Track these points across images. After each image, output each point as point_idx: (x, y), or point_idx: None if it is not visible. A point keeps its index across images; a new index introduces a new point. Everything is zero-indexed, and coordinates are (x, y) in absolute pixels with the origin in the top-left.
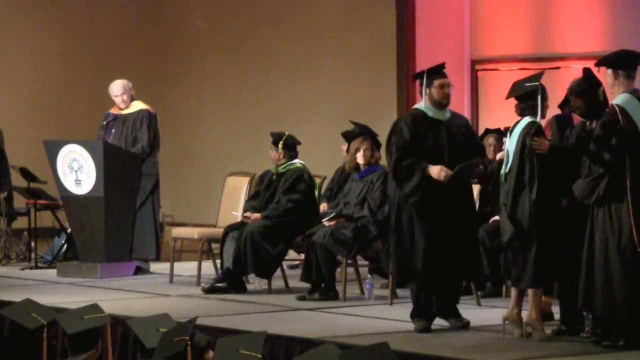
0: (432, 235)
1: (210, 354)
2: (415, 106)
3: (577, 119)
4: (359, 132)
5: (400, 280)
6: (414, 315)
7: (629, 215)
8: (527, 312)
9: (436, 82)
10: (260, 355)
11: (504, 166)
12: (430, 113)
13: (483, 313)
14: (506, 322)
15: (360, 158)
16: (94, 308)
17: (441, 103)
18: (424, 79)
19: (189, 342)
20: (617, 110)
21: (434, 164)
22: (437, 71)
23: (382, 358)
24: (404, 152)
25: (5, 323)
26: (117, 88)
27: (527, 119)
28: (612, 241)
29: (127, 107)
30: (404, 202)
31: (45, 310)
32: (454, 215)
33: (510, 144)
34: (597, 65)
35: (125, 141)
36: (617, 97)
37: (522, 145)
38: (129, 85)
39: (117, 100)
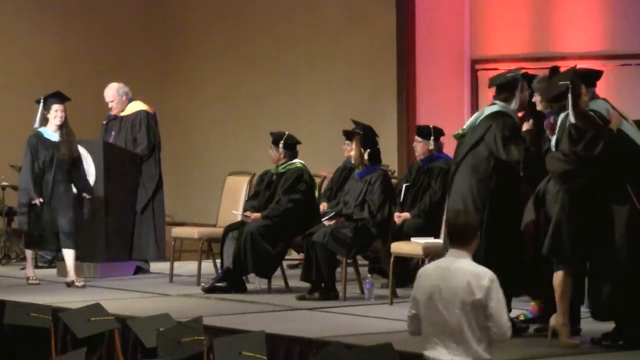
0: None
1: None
2: (503, 109)
3: None
4: (359, 131)
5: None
6: None
7: (631, 212)
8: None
9: (526, 86)
10: (265, 357)
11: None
12: (514, 117)
13: None
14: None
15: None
16: (98, 308)
17: (524, 107)
18: (520, 82)
19: (204, 343)
20: (594, 115)
21: None
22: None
23: (386, 358)
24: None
25: (5, 329)
26: (108, 95)
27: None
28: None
29: (122, 111)
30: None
31: (41, 308)
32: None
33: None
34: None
35: (125, 142)
36: (590, 104)
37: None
38: (120, 91)
39: (109, 105)
